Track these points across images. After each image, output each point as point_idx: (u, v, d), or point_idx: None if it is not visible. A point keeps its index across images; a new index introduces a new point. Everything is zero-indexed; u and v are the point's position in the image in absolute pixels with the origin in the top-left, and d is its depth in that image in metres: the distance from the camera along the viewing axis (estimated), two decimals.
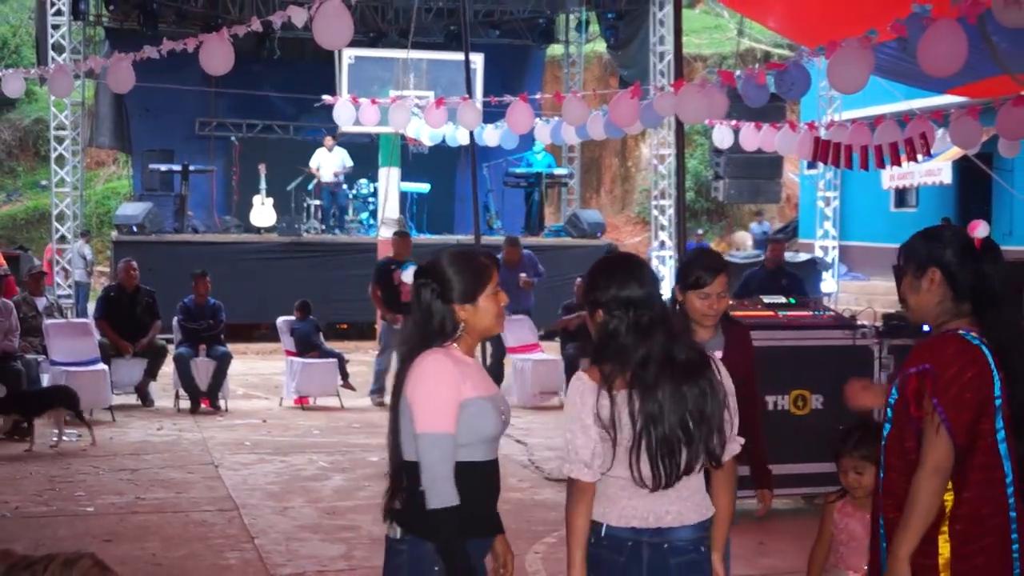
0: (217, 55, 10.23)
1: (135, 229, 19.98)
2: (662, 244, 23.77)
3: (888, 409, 3.78)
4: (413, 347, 3.87)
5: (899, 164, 12.70)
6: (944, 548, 3.60)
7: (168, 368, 13.90)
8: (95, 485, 9.68)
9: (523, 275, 15.10)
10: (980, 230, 3.70)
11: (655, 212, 24.37)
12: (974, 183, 23.46)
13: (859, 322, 8.90)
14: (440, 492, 3.71)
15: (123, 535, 8.06)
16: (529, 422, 12.91)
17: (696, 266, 4.94)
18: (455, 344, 3.90)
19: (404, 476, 3.85)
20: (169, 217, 21.44)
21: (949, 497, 3.59)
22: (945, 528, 3.60)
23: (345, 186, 22.21)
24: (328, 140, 22.15)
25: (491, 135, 17.36)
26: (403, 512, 3.86)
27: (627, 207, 35.39)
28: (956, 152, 17.77)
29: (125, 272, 14.09)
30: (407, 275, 3.95)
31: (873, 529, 3.90)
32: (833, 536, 4.86)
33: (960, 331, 3.66)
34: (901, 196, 26.74)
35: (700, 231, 30.32)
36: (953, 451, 3.56)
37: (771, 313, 8.85)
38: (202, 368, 13.57)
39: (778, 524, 7.88)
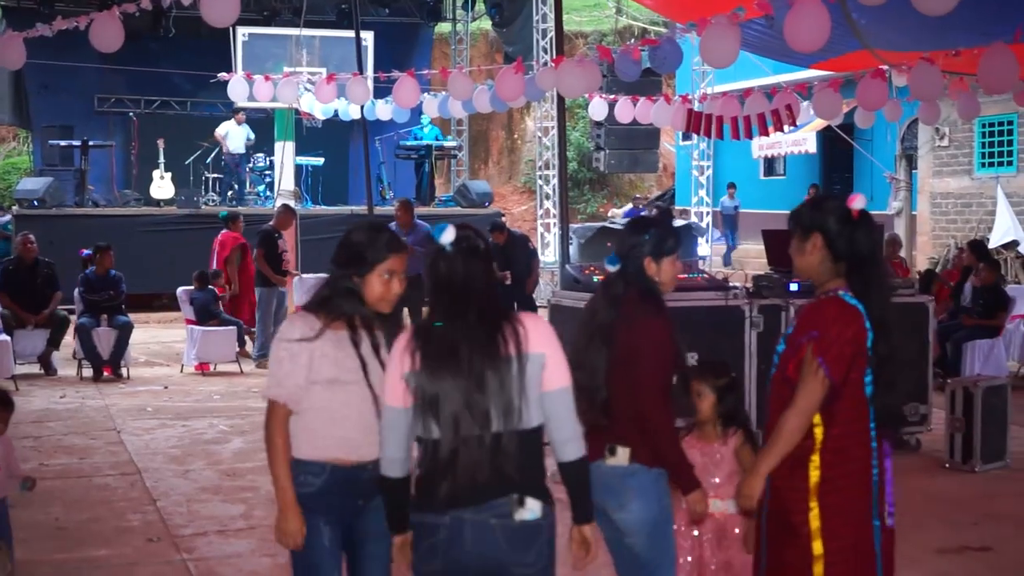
0: (107, 32, 9.93)
1: (36, 204, 19.49)
2: (547, 212, 23.85)
3: (776, 356, 4.10)
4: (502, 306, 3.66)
5: (767, 134, 12.87)
6: (814, 474, 3.97)
7: (70, 338, 13.61)
8: None
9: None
10: (857, 202, 3.99)
11: (540, 182, 24.44)
12: (837, 152, 23.90)
13: (731, 284, 8.96)
14: (583, 441, 3.60)
15: (27, 501, 7.86)
16: None
17: (671, 233, 4.59)
18: None
19: (527, 447, 3.48)
20: (70, 192, 20.93)
21: (819, 432, 3.94)
22: (815, 457, 3.96)
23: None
24: (240, 116, 21.82)
25: (382, 109, 17.24)
26: (537, 484, 3.51)
27: (514, 177, 35.42)
28: (820, 123, 18.03)
29: (22, 245, 13.77)
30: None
31: None
32: None
33: (840, 292, 3.97)
34: (770, 164, 27.12)
35: (638, 195, 30.56)
36: (824, 397, 3.89)
37: None
38: (104, 337, 13.29)
39: None
